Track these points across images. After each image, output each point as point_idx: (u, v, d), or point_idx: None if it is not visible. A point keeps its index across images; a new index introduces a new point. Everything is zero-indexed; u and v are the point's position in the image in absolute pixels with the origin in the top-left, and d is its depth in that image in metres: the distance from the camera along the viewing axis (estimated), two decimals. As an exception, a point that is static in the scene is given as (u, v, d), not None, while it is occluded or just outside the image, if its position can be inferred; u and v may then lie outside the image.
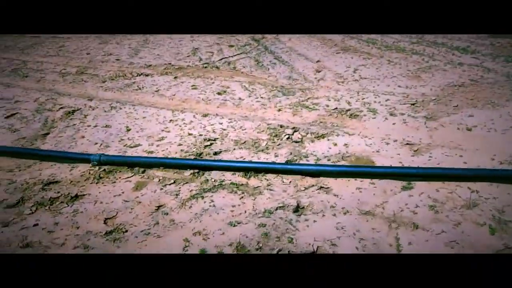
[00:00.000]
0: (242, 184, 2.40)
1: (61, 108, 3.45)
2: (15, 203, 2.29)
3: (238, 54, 4.62)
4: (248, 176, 2.46)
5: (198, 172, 2.51)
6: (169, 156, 2.73)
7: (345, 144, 2.78)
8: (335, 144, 2.79)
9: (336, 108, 3.33)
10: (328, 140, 2.85)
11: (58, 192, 2.37)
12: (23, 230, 2.09)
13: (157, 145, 2.87)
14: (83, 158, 2.61)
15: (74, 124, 3.20)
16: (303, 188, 2.35)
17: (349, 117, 3.17)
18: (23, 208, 2.25)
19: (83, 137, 3.00)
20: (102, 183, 2.46)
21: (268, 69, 4.23)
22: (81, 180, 2.49)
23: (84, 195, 2.35)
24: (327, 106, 3.38)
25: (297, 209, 2.18)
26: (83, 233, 2.06)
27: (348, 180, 2.38)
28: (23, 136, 3.04)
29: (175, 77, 4.03)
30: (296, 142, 2.85)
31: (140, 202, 2.28)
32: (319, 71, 4.14)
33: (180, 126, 3.13)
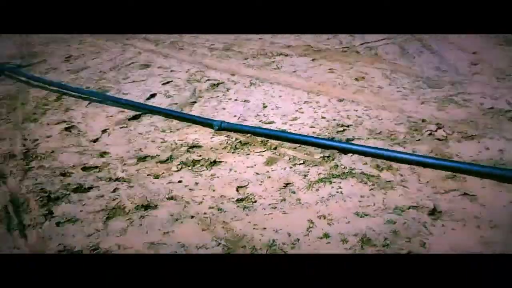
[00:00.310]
0: (373, 176, 2.34)
1: (208, 80, 3.80)
2: (165, 159, 2.64)
3: (381, 40, 4.42)
4: (380, 168, 2.39)
5: (328, 157, 2.53)
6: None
7: (500, 150, 2.47)
8: (487, 148, 2.50)
9: (492, 107, 2.96)
10: (479, 142, 2.56)
11: (200, 156, 2.65)
12: (170, 184, 2.40)
13: (290, 125, 2.97)
14: (207, 123, 2.96)
15: (217, 96, 3.50)
16: (443, 191, 2.18)
17: (509, 119, 2.79)
18: (171, 165, 2.58)
19: (224, 108, 3.27)
20: (238, 153, 2.66)
21: (414, 57, 3.95)
22: (219, 148, 2.74)
23: (221, 162, 2.58)
24: (481, 104, 3.02)
25: (433, 212, 2.04)
26: (218, 196, 2.28)
27: (500, 191, 2.12)
28: (175, 102, 3.44)
29: (313, 59, 4.06)
30: (439, 140, 2.64)
31: (270, 177, 2.41)
32: (475, 64, 3.71)
33: (314, 108, 3.17)
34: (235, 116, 3.15)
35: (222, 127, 2.92)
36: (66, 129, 3.11)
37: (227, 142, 2.79)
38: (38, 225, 2.13)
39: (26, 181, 2.49)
